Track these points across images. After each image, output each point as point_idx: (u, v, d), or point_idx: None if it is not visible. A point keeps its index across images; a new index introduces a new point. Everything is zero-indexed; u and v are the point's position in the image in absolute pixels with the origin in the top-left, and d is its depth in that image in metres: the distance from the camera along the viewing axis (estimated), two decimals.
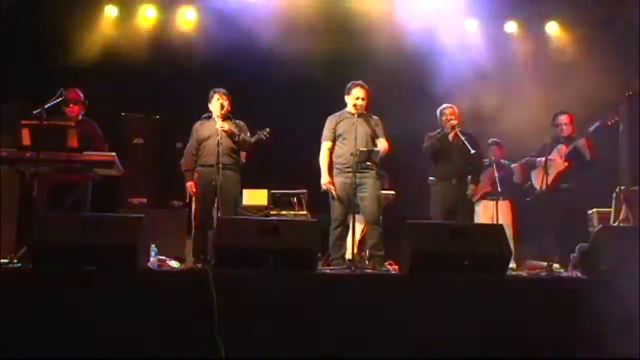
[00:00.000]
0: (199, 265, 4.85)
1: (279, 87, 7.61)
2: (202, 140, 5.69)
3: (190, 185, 5.77)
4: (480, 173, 6.39)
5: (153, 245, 4.56)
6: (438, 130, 6.01)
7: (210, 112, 5.73)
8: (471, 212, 6.23)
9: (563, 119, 6.09)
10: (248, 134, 5.80)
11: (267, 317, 3.46)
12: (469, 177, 6.00)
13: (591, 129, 5.95)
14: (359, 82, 5.62)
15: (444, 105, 6.13)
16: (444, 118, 6.04)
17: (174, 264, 4.85)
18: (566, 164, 5.96)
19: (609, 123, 5.90)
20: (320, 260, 5.01)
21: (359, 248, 6.04)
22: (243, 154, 6.09)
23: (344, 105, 5.69)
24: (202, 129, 5.74)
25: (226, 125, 5.58)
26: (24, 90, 6.41)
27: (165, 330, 3.41)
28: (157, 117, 7.15)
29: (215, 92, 5.72)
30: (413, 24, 7.59)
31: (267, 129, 6.03)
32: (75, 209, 5.27)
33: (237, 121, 5.77)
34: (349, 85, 5.65)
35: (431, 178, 6.08)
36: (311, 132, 5.89)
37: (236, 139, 5.64)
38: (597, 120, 5.96)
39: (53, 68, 7.04)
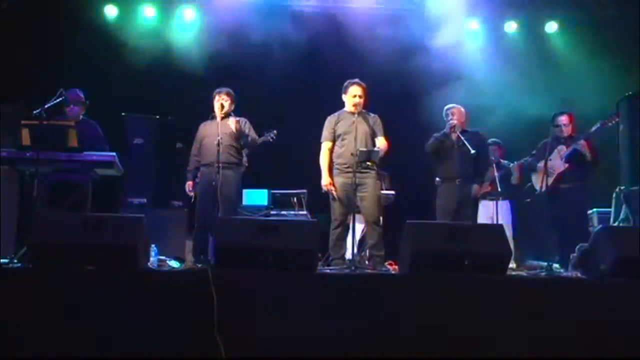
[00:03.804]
0: (199, 265, 4.85)
1: (278, 87, 7.61)
2: (202, 139, 5.75)
3: (188, 184, 5.85)
4: (484, 173, 6.39)
5: (153, 245, 4.57)
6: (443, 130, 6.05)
7: (214, 112, 5.77)
8: (475, 212, 6.22)
9: (563, 119, 6.07)
10: (252, 130, 5.81)
11: (267, 317, 3.46)
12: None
13: (592, 129, 5.93)
14: (356, 80, 5.62)
15: (449, 105, 6.16)
16: (447, 118, 6.06)
17: (174, 264, 4.85)
18: (567, 165, 5.95)
19: (610, 124, 5.88)
20: (320, 260, 5.01)
21: (359, 248, 6.04)
22: (244, 158, 6.11)
23: (343, 104, 5.69)
24: (204, 129, 5.83)
25: (232, 125, 5.62)
26: (24, 90, 6.41)
27: (165, 330, 3.41)
28: (157, 117, 7.14)
29: (216, 93, 5.78)
30: (414, 24, 7.60)
31: (275, 131, 6.05)
32: (75, 209, 5.26)
33: (239, 119, 5.78)
34: (345, 83, 5.65)
35: (437, 179, 6.10)
36: (311, 132, 5.89)
37: (244, 141, 5.67)
38: (597, 120, 5.95)
39: (53, 68, 7.03)
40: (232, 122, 5.66)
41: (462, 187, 5.91)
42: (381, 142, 5.55)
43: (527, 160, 6.43)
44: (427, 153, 6.09)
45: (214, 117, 5.75)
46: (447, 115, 6.10)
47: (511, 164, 6.85)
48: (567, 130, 6.06)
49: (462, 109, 6.13)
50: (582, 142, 5.90)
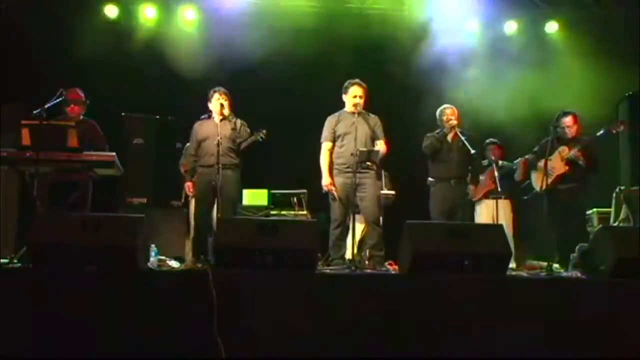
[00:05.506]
0: (199, 265, 4.85)
1: (278, 87, 7.62)
2: (201, 140, 5.72)
3: (188, 185, 5.86)
4: (479, 174, 6.38)
5: (153, 245, 4.56)
6: (437, 131, 6.02)
7: (210, 111, 5.74)
8: (471, 212, 6.22)
9: (567, 121, 5.97)
10: (248, 130, 5.80)
11: (267, 317, 3.46)
12: (469, 177, 6.01)
13: (597, 135, 5.88)
14: (356, 80, 5.62)
15: (444, 106, 6.14)
16: (444, 118, 6.04)
17: (174, 264, 4.85)
18: (567, 167, 5.92)
19: (614, 131, 5.83)
20: (320, 260, 5.00)
21: (359, 248, 6.04)
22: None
23: (343, 104, 5.69)
24: (201, 129, 5.76)
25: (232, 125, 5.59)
26: (24, 90, 6.41)
27: (165, 330, 3.41)
28: (157, 117, 7.14)
29: (215, 92, 5.74)
30: (413, 24, 7.60)
31: (264, 130, 6.05)
32: (75, 209, 5.26)
33: (237, 120, 5.78)
34: (346, 84, 5.65)
35: (430, 179, 6.09)
36: (311, 132, 5.89)
37: (237, 134, 5.66)
38: (604, 125, 5.89)
39: (53, 68, 7.03)
40: (233, 123, 5.64)
41: (457, 188, 5.92)
42: (381, 146, 5.55)
43: (530, 158, 6.41)
44: (425, 153, 6.08)
45: (210, 116, 5.73)
46: (442, 115, 6.07)
47: (515, 161, 6.83)
48: (571, 132, 6.01)
49: (456, 110, 6.10)
50: (576, 153, 5.85)
